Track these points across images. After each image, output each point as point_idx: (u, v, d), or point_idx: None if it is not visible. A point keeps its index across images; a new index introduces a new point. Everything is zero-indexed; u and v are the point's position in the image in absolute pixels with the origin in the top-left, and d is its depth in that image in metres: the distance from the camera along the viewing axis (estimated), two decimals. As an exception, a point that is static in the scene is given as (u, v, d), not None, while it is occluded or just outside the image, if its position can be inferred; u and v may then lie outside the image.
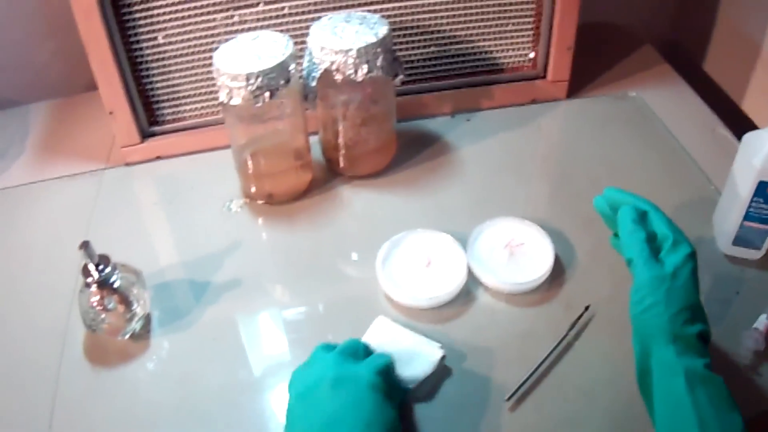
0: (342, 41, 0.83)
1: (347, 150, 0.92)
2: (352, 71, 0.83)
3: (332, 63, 0.84)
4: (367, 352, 0.70)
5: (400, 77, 0.88)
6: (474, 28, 1.01)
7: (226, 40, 0.86)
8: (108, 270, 0.74)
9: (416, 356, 0.71)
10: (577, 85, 1.07)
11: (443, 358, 0.72)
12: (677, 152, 0.96)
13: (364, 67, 0.83)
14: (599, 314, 0.76)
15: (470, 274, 0.80)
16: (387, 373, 0.66)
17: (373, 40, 0.83)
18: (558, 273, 0.81)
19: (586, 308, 0.75)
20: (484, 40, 1.02)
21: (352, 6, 0.96)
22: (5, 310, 0.84)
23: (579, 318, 0.74)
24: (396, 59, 0.88)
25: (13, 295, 0.86)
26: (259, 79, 0.79)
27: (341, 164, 0.94)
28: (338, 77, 0.84)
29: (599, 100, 1.07)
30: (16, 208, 0.98)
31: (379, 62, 0.84)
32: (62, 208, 0.97)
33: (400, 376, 0.69)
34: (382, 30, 0.85)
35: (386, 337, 0.74)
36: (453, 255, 0.81)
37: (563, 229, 0.85)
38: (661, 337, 0.61)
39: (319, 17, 0.93)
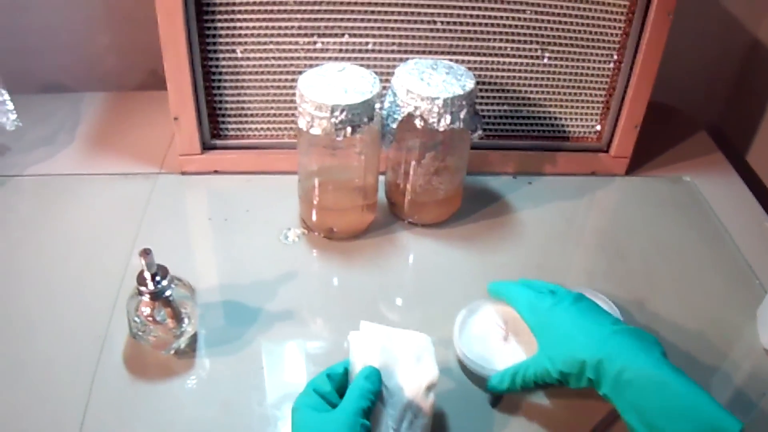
0: (429, 88, 0.82)
1: (414, 196, 0.91)
2: (435, 120, 0.82)
3: (416, 108, 0.83)
4: (341, 383, 0.66)
5: (479, 132, 0.88)
6: (548, 93, 1.01)
7: (306, 66, 0.85)
8: (164, 282, 0.72)
9: (416, 355, 0.68)
10: (635, 163, 1.07)
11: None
12: (726, 242, 0.96)
13: (447, 118, 0.82)
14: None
15: None
16: (369, 407, 0.62)
17: (460, 92, 0.82)
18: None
19: None
20: (555, 106, 1.02)
21: (437, 53, 0.95)
22: (44, 303, 0.82)
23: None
24: (477, 114, 0.87)
25: (48, 286, 0.84)
26: (344, 113, 0.78)
27: (405, 209, 0.93)
28: (419, 123, 0.83)
29: (655, 181, 1.07)
30: (62, 197, 0.96)
31: (462, 115, 0.83)
32: (112, 206, 0.95)
33: (408, 383, 0.66)
34: (469, 83, 0.84)
35: (374, 345, 0.68)
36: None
37: (616, 304, 0.84)
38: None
39: (401, 59, 0.92)
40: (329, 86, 0.80)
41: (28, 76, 1.17)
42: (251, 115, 0.99)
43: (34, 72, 1.18)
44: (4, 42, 1.13)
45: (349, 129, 0.80)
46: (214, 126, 0.99)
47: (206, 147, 1.00)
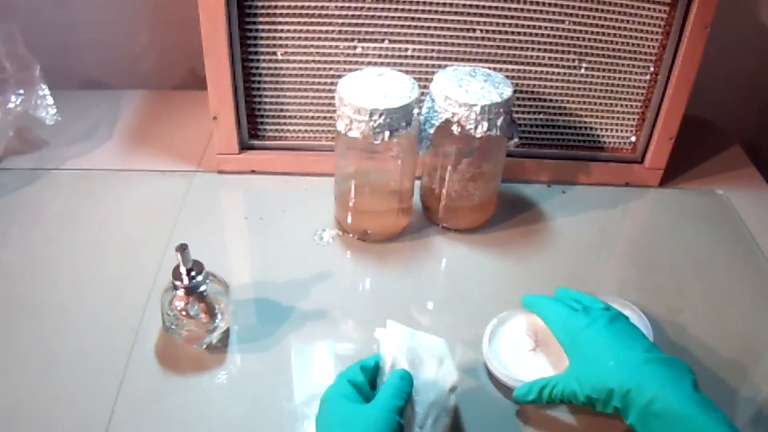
0: (467, 95, 0.83)
1: (449, 201, 0.91)
2: (472, 126, 0.83)
3: (454, 114, 0.83)
4: (372, 376, 0.67)
5: (515, 140, 0.88)
6: (584, 103, 1.01)
7: (345, 70, 0.86)
8: (199, 278, 0.73)
9: (438, 358, 0.70)
10: (669, 175, 1.06)
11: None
12: (757, 256, 0.95)
13: (485, 125, 0.83)
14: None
15: None
16: (403, 407, 0.63)
17: (498, 99, 0.83)
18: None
19: None
20: (591, 116, 1.02)
21: (475, 60, 0.96)
22: (74, 293, 0.83)
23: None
24: (513, 122, 0.88)
25: (83, 280, 0.85)
26: (383, 117, 0.79)
27: (440, 214, 0.93)
28: (456, 129, 0.84)
29: (688, 193, 1.06)
30: (99, 191, 0.98)
31: (499, 122, 0.83)
32: (149, 201, 0.97)
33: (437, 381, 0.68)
34: (507, 91, 0.84)
35: (402, 345, 0.70)
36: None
37: (647, 315, 0.83)
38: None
39: (440, 65, 0.93)
40: (368, 90, 0.81)
41: (69, 73, 1.20)
42: (290, 116, 1.00)
43: (75, 68, 1.20)
44: (46, 38, 1.15)
45: (387, 133, 0.80)
46: (252, 126, 1.00)
47: (244, 147, 1.01)
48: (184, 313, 0.74)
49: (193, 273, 0.73)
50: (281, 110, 0.99)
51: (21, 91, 1.00)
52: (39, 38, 1.05)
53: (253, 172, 1.02)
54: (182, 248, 0.71)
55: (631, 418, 0.63)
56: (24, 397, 0.72)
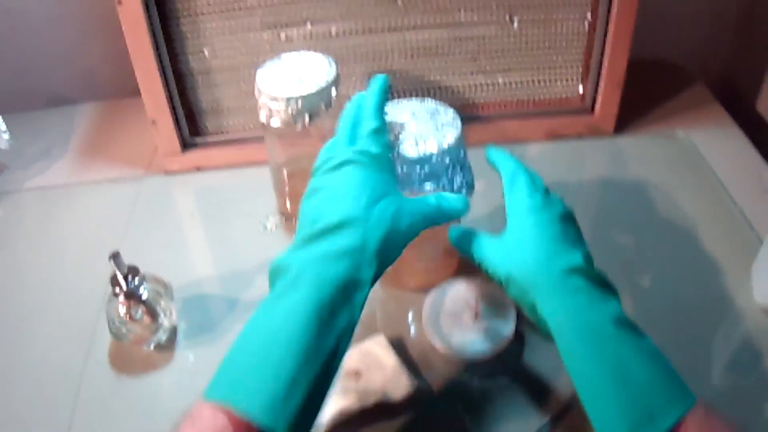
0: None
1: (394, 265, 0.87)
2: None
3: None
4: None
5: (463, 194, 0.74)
6: (523, 59, 1.00)
7: (271, 58, 0.86)
8: (136, 281, 0.75)
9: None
10: (624, 122, 1.05)
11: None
12: (721, 196, 0.94)
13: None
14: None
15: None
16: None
17: (433, 150, 0.70)
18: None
19: None
20: (532, 71, 1.01)
21: (401, 28, 0.96)
22: (35, 310, 0.86)
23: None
24: (462, 170, 0.75)
25: (44, 295, 0.87)
26: (299, 104, 0.79)
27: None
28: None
29: (646, 139, 1.05)
30: (53, 208, 1.00)
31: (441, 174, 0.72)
32: (100, 212, 0.98)
33: None
34: (451, 135, 0.72)
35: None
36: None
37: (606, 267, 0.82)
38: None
39: (368, 41, 0.94)
40: (285, 77, 0.81)
41: (28, 94, 1.21)
42: (226, 111, 1.01)
43: (35, 89, 1.22)
44: (2, 63, 1.17)
45: (307, 118, 0.80)
46: (192, 125, 1.02)
47: (187, 145, 1.03)
48: (127, 317, 0.76)
49: (129, 278, 0.75)
50: (217, 106, 1.01)
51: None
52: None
53: (198, 169, 1.03)
54: (114, 256, 0.73)
55: (550, 320, 0.59)
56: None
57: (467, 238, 0.67)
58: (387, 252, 0.57)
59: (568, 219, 0.65)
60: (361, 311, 0.55)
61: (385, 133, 0.66)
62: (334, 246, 0.54)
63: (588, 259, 0.62)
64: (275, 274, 0.56)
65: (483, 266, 0.65)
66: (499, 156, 0.71)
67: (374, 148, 0.62)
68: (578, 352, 0.57)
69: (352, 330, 0.54)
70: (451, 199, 0.66)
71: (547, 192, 0.67)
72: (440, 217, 0.64)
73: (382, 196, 0.59)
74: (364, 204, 0.57)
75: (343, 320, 0.53)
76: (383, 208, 0.58)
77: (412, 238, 0.60)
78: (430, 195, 0.65)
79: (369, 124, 0.65)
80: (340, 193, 0.58)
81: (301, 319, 0.51)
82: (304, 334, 0.50)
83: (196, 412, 0.48)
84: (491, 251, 0.64)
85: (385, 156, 0.63)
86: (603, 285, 0.60)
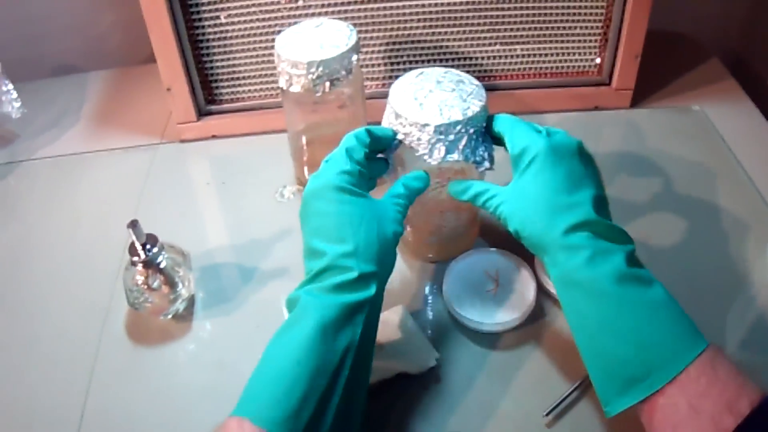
0: (420, 112, 0.69)
1: (419, 236, 0.84)
2: (425, 152, 0.70)
3: (405, 136, 0.71)
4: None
5: (486, 166, 0.73)
6: (541, 28, 0.98)
7: (289, 24, 0.85)
8: (155, 250, 0.74)
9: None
10: (640, 95, 1.04)
11: None
12: (736, 171, 0.93)
13: (441, 149, 0.70)
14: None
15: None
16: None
17: (459, 117, 0.68)
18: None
19: None
20: (551, 42, 1.00)
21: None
22: (49, 281, 0.85)
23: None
24: (484, 143, 0.73)
25: (57, 265, 0.87)
26: (320, 69, 0.78)
27: (413, 247, 0.86)
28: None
29: (661, 112, 1.04)
30: (67, 177, 0.99)
31: (461, 145, 0.70)
32: (114, 180, 0.97)
33: None
34: (475, 105, 0.70)
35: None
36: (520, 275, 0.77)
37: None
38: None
39: (385, 7, 0.91)
40: (305, 43, 0.80)
41: (37, 63, 1.20)
42: (243, 78, 1.00)
43: (44, 58, 1.21)
44: (11, 31, 1.16)
45: (327, 84, 0.79)
46: (207, 92, 1.00)
47: (202, 113, 1.01)
48: (145, 286, 0.75)
49: (147, 246, 0.74)
50: (233, 73, 0.99)
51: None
52: (3, 33, 1.06)
53: (213, 137, 1.02)
54: (133, 225, 0.72)
55: (553, 278, 0.61)
56: (3, 380, 0.74)
57: (469, 187, 0.70)
58: (383, 265, 0.62)
59: (574, 154, 0.64)
60: (366, 327, 0.60)
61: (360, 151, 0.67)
62: (335, 280, 0.59)
63: (597, 200, 0.62)
64: (290, 306, 0.62)
65: (495, 215, 0.67)
66: (498, 119, 0.71)
67: (344, 179, 0.64)
68: (577, 313, 0.59)
69: (357, 346, 0.59)
70: (411, 177, 0.69)
71: (548, 131, 0.66)
72: (411, 195, 0.68)
73: (362, 222, 0.62)
74: (350, 238, 0.61)
75: (345, 339, 0.58)
76: (367, 230, 0.62)
77: (399, 236, 0.64)
78: (396, 182, 0.68)
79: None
80: (330, 235, 0.62)
81: (307, 343, 0.57)
82: (310, 356, 0.56)
83: (225, 426, 0.54)
84: (499, 201, 0.66)
85: (355, 179, 0.65)
86: (609, 235, 0.60)
